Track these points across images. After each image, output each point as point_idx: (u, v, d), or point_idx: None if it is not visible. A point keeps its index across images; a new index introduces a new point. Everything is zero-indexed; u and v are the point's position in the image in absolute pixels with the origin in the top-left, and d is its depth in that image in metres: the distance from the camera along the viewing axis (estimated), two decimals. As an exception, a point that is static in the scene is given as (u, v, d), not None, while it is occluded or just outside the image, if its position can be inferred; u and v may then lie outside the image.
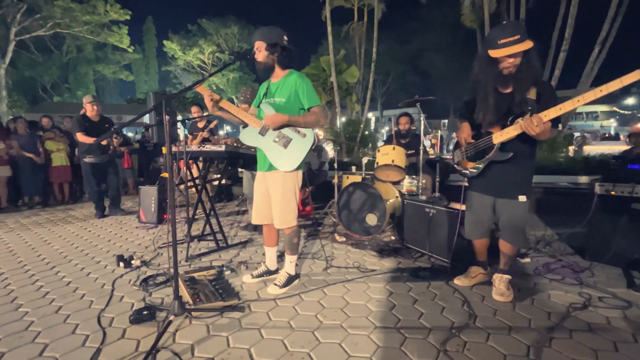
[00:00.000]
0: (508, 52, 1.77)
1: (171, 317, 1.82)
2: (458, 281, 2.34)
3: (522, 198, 2.00)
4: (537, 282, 2.38)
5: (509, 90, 1.94)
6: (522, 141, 1.91)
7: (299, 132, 2.10)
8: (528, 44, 1.75)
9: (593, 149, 11.62)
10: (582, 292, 2.19)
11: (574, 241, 3.12)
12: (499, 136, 1.95)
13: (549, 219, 3.98)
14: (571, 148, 8.74)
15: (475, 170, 2.12)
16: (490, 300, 2.11)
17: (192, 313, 1.91)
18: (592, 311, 1.96)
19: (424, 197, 3.09)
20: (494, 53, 1.82)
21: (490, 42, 1.84)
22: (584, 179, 5.33)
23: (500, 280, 2.17)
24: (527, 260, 2.76)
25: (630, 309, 1.97)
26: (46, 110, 15.49)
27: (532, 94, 1.85)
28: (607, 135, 22.80)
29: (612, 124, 30.10)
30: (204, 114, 4.87)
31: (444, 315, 1.94)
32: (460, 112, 2.26)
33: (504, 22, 1.89)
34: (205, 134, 4.80)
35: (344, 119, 12.66)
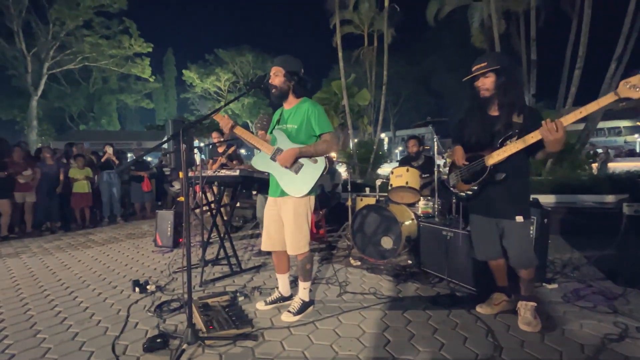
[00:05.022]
0: (468, 77, 2.03)
1: (184, 346, 1.79)
2: (480, 309, 2.23)
3: (519, 218, 2.00)
4: (567, 310, 2.23)
5: (496, 113, 2.04)
6: (514, 161, 1.96)
7: (310, 157, 2.12)
8: (484, 70, 1.95)
9: (618, 166, 11.17)
10: (618, 322, 2.04)
11: (604, 265, 2.94)
12: (491, 158, 2.00)
13: (575, 240, 3.79)
14: (594, 165, 8.42)
15: (471, 192, 2.12)
16: (516, 330, 1.99)
17: (205, 341, 1.88)
18: (630, 343, 1.81)
19: (440, 219, 3.02)
20: (465, 78, 2.07)
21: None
22: (610, 198, 5.09)
23: (525, 308, 2.05)
24: (555, 286, 2.61)
25: (673, 341, 1.82)
26: (72, 138, 16.31)
27: (519, 119, 1.94)
28: (626, 151, 21.66)
29: (636, 139, 28.98)
30: (222, 140, 5.01)
31: (466, 347, 1.83)
32: (453, 135, 2.32)
33: (484, 54, 2.18)
34: (223, 160, 4.91)
35: (356, 140, 12.75)
